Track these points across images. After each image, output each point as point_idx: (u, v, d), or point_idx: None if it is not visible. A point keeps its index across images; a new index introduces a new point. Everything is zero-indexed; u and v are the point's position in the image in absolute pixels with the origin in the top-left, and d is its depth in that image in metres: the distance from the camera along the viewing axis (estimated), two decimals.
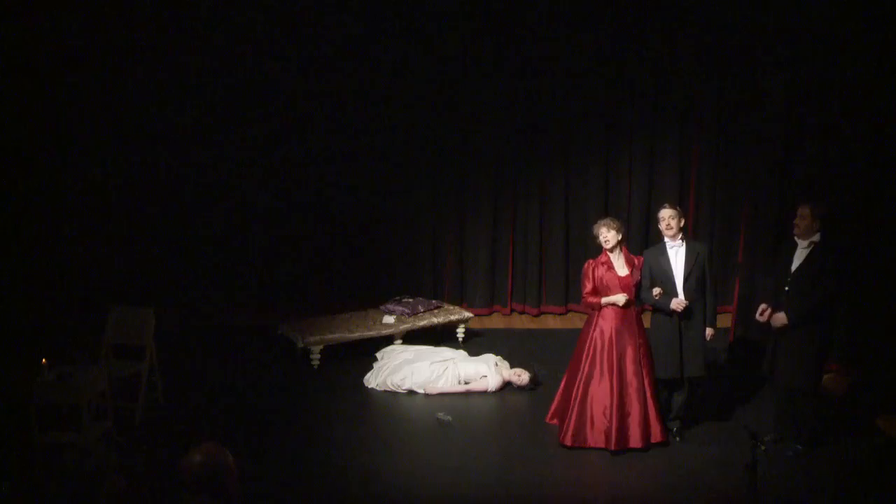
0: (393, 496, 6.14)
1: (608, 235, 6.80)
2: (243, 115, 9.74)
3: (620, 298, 6.76)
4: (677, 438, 6.97)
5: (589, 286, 6.84)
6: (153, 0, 9.32)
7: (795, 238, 6.66)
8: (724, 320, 9.64)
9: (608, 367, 6.76)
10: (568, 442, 6.80)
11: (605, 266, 6.82)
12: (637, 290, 6.87)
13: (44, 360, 6.47)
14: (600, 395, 6.76)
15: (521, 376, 8.09)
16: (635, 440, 6.73)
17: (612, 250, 6.84)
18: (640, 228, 10.12)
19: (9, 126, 9.25)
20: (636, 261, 6.92)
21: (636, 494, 6.24)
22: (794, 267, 6.60)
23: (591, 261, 6.94)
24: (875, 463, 6.61)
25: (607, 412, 6.73)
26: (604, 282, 6.80)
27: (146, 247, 9.77)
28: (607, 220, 6.90)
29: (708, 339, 6.90)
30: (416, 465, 6.58)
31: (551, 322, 10.25)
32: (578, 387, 6.84)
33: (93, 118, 9.49)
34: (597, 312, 6.88)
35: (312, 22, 9.57)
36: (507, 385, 8.12)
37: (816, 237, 6.57)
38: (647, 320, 7.08)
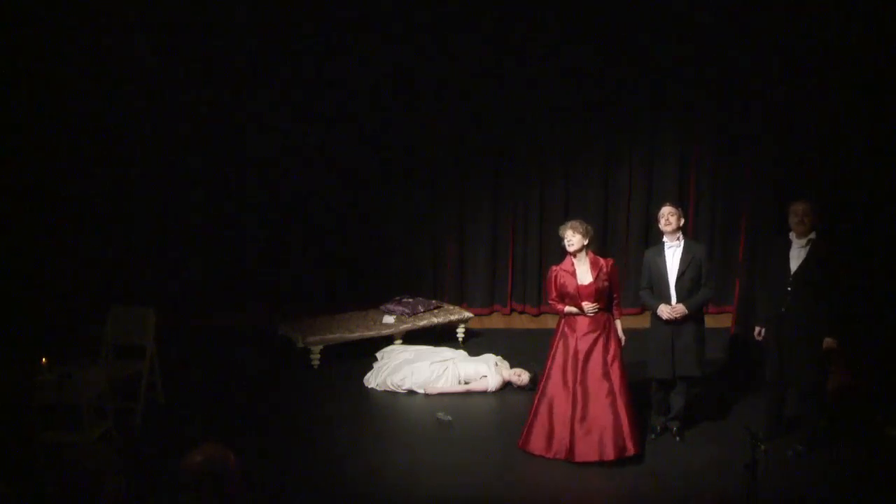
0: (393, 496, 6.14)
1: (572, 239, 6.59)
2: (243, 117, 9.75)
3: (576, 310, 6.58)
4: (677, 438, 6.97)
5: (553, 293, 6.71)
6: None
7: (792, 236, 6.61)
8: (725, 320, 9.65)
9: (571, 376, 6.55)
10: (528, 448, 6.65)
11: (567, 273, 6.63)
12: (608, 296, 6.65)
13: (44, 360, 6.47)
14: (561, 403, 6.57)
15: (521, 376, 8.10)
16: (606, 452, 6.45)
17: (575, 255, 6.64)
18: (640, 228, 10.13)
19: (9, 126, 9.25)
20: (605, 265, 6.66)
21: (636, 494, 6.23)
22: (793, 265, 6.55)
23: (554, 267, 6.76)
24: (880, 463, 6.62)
25: (567, 422, 6.51)
26: (565, 289, 6.61)
27: (146, 247, 9.77)
28: (574, 223, 6.67)
29: (670, 311, 6.71)
30: (416, 465, 6.58)
31: (551, 322, 10.17)
32: (542, 393, 6.69)
33: (94, 118, 9.50)
34: (563, 318, 6.73)
35: (312, 23, 9.58)
36: (507, 385, 8.13)
37: (812, 234, 6.56)
38: (647, 320, 7.09)
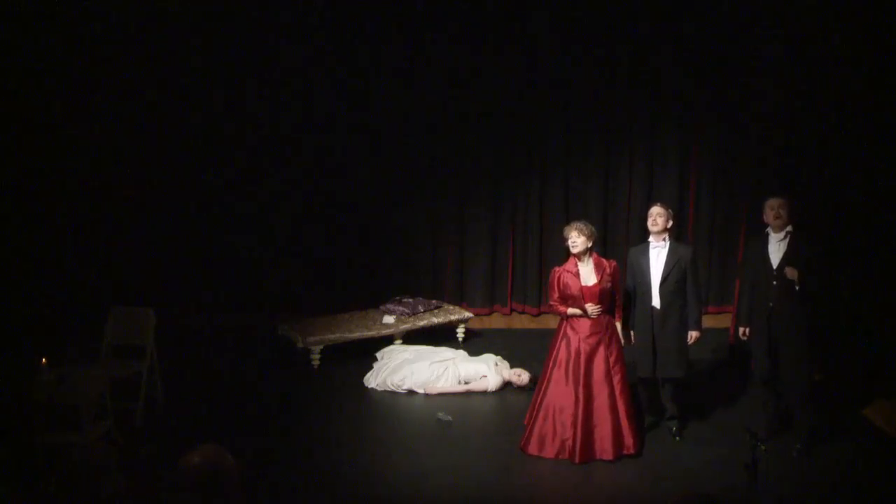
0: (393, 496, 6.14)
1: (577, 240, 6.56)
2: (243, 118, 9.75)
3: (579, 311, 6.57)
4: (677, 438, 6.97)
5: (555, 294, 6.69)
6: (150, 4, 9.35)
7: (769, 231, 6.62)
8: (724, 320, 9.65)
9: (574, 378, 6.54)
10: (529, 450, 6.65)
11: (570, 274, 6.61)
12: (610, 298, 6.66)
13: (44, 360, 6.46)
14: (564, 404, 6.55)
15: (521, 376, 8.10)
16: (605, 452, 6.52)
17: (579, 256, 6.62)
18: (640, 229, 10.10)
19: (9, 125, 9.25)
20: (608, 266, 6.67)
21: (637, 495, 6.23)
22: (775, 258, 6.56)
23: (557, 268, 6.74)
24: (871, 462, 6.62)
25: (570, 423, 6.51)
26: (568, 290, 6.59)
27: (146, 247, 9.77)
28: (579, 224, 6.64)
29: (690, 342, 6.80)
30: (416, 465, 6.58)
31: (551, 322, 10.17)
32: (543, 394, 6.67)
33: (94, 118, 9.50)
34: (564, 320, 6.71)
35: (310, 22, 9.58)
36: (507, 385, 8.13)
37: (789, 227, 6.58)
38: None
